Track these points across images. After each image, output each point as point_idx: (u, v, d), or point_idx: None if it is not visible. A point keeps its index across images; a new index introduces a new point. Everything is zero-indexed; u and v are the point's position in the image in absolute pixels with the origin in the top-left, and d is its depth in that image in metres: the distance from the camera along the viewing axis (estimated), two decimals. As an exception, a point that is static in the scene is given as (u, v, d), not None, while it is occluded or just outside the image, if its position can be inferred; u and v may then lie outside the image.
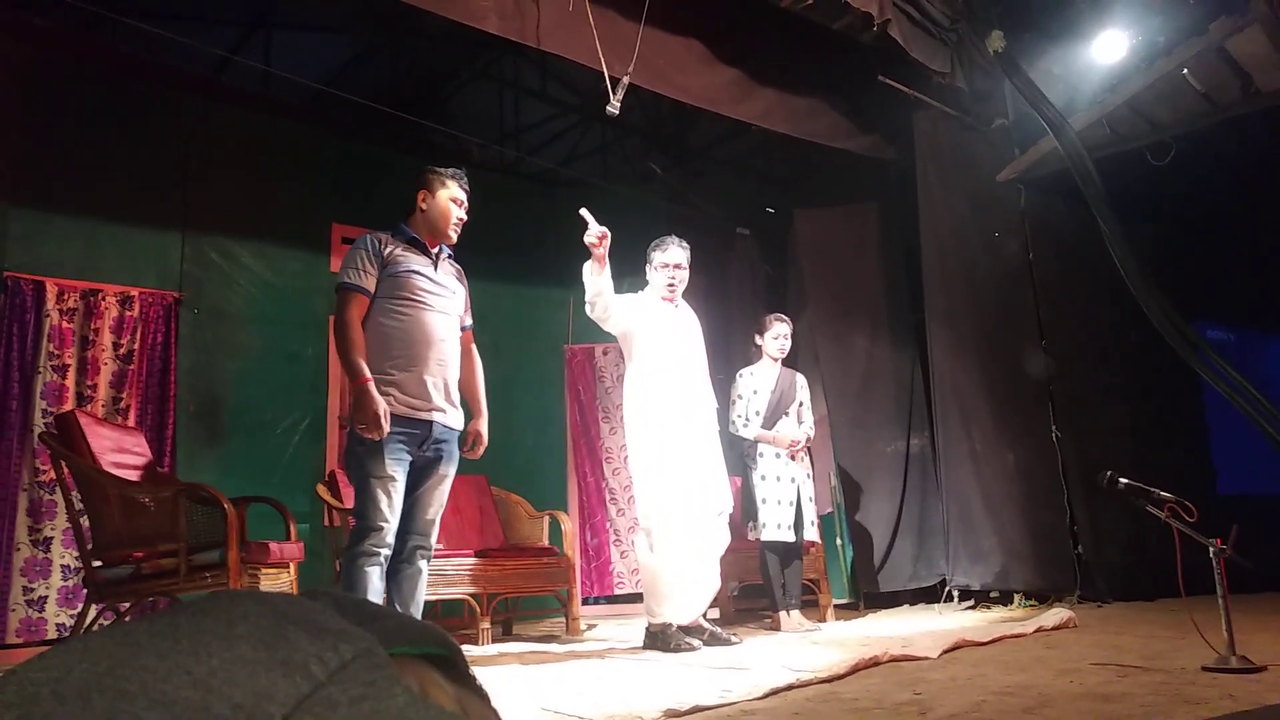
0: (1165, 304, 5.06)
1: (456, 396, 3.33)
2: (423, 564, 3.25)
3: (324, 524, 5.30)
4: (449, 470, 3.30)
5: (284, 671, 0.31)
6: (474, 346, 3.58)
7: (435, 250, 3.34)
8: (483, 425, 3.47)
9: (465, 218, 3.37)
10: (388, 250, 3.24)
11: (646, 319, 4.24)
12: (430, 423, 3.18)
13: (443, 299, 3.29)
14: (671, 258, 4.28)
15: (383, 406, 3.02)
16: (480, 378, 3.57)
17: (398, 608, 3.13)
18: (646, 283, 4.42)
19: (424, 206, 3.33)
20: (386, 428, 3.02)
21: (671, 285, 4.28)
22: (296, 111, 6.30)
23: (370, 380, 3.05)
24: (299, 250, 5.98)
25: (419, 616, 3.09)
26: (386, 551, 3.09)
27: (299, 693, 0.30)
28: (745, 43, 5.34)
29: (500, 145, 7.11)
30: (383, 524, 3.07)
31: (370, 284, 3.19)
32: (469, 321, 3.53)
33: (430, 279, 3.27)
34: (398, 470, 3.11)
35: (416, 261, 3.26)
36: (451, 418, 3.28)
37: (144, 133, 5.43)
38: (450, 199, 3.33)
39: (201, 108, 5.72)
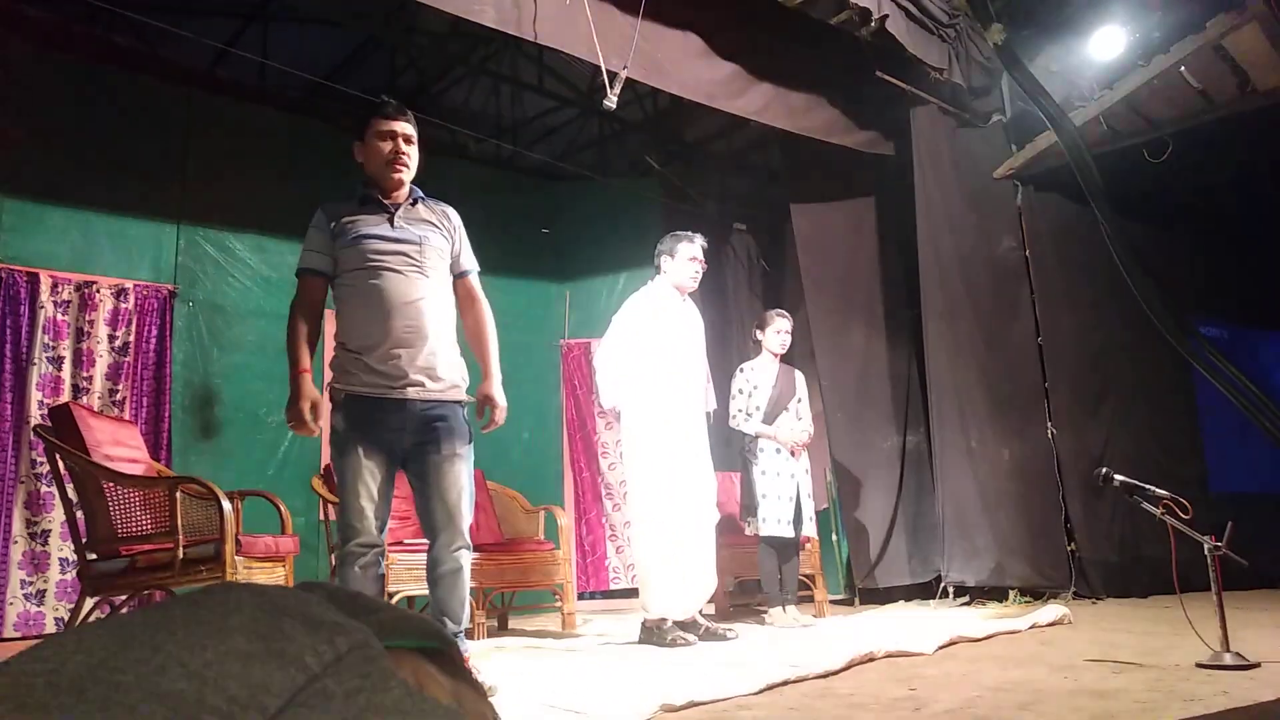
0: (1162, 299, 5.08)
1: (446, 363, 2.90)
2: (460, 559, 2.89)
3: (319, 518, 5.29)
4: (453, 448, 2.87)
5: (279, 664, 0.31)
6: (478, 293, 3.12)
7: (397, 203, 2.95)
8: (493, 389, 3.02)
9: (406, 150, 2.93)
10: (339, 220, 2.90)
11: (653, 316, 4.30)
12: (404, 401, 2.81)
13: (405, 256, 2.87)
14: (699, 251, 4.40)
15: (309, 400, 2.75)
16: (488, 330, 3.10)
17: (440, 611, 2.87)
18: (650, 272, 4.47)
19: (360, 159, 2.99)
20: (314, 426, 2.75)
21: (695, 277, 4.40)
22: (293, 105, 6.28)
23: (305, 371, 2.80)
24: (294, 244, 5.93)
25: (465, 615, 2.91)
26: (374, 551, 2.83)
27: (294, 685, 0.30)
28: (743, 37, 5.33)
29: (497, 139, 7.09)
30: (358, 521, 2.80)
31: (322, 263, 2.90)
32: (467, 265, 3.09)
33: (385, 237, 2.87)
34: (372, 461, 2.80)
35: (368, 223, 2.89)
36: (436, 389, 2.86)
37: (139, 125, 5.42)
38: (375, 136, 2.93)
39: (197, 100, 5.71)
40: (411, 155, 2.95)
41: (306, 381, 2.79)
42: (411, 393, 2.81)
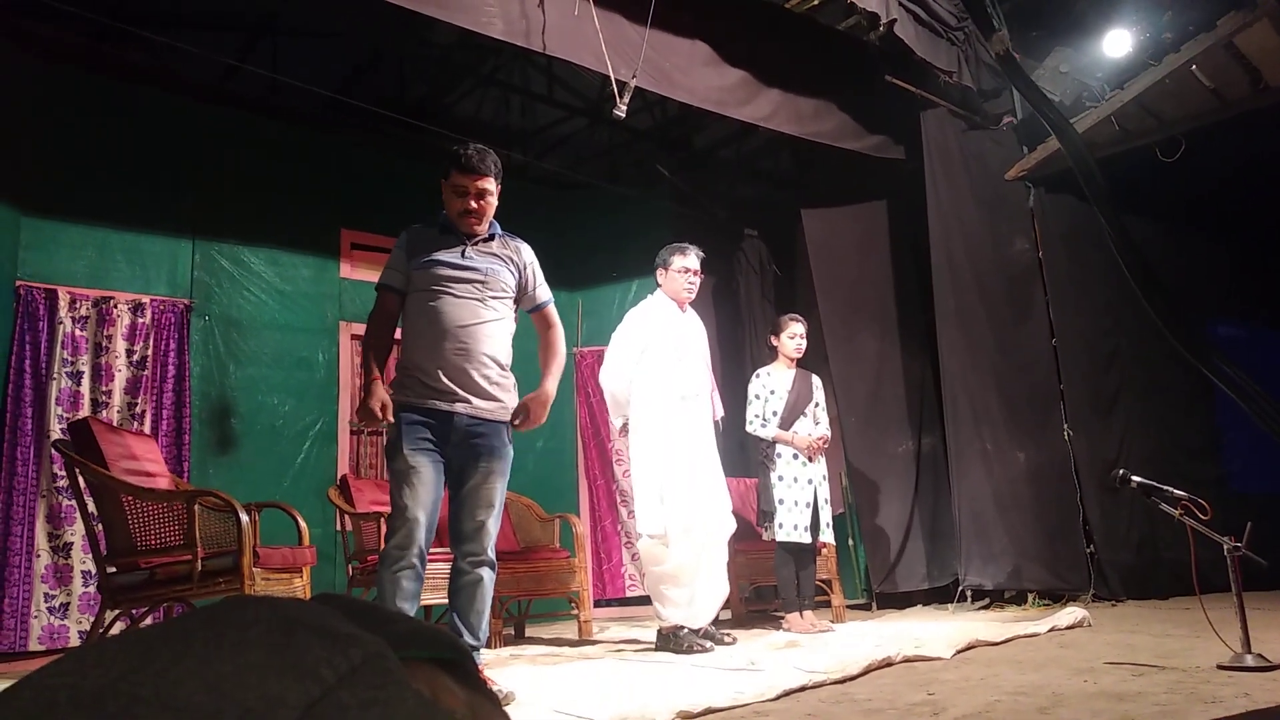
0: (1171, 307, 5.04)
1: (494, 385, 3.05)
2: (481, 573, 2.99)
3: (336, 529, 5.32)
4: (491, 466, 3.02)
5: (295, 676, 0.31)
6: (554, 319, 3.33)
7: (473, 237, 3.12)
8: (538, 396, 3.14)
9: (477, 205, 3.07)
10: (419, 242, 3.11)
11: (655, 327, 4.32)
12: (451, 414, 2.96)
13: (468, 284, 3.05)
14: (692, 263, 4.42)
15: (379, 401, 2.91)
16: (555, 352, 3.28)
17: (458, 620, 2.97)
18: (654, 284, 4.49)
19: (444, 198, 3.15)
20: (382, 418, 2.92)
21: (690, 289, 4.42)
22: (304, 118, 6.32)
23: (376, 379, 2.98)
24: (308, 256, 6.02)
25: (483, 631, 3.00)
26: (414, 551, 2.89)
27: (309, 696, 0.31)
28: (751, 44, 5.33)
29: (507, 149, 7.12)
30: (404, 520, 2.89)
31: (398, 280, 3.10)
32: (541, 299, 3.29)
33: (453, 265, 3.05)
34: (421, 460, 2.93)
35: (442, 250, 3.08)
36: (483, 407, 3.01)
37: (153, 141, 5.47)
38: (452, 188, 3.09)
39: (210, 115, 5.76)
40: (485, 206, 3.11)
41: (378, 385, 2.99)
42: (459, 408, 2.98)
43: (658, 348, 4.28)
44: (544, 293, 3.32)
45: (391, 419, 2.95)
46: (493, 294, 3.10)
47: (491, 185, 3.11)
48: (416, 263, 3.07)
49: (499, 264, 3.15)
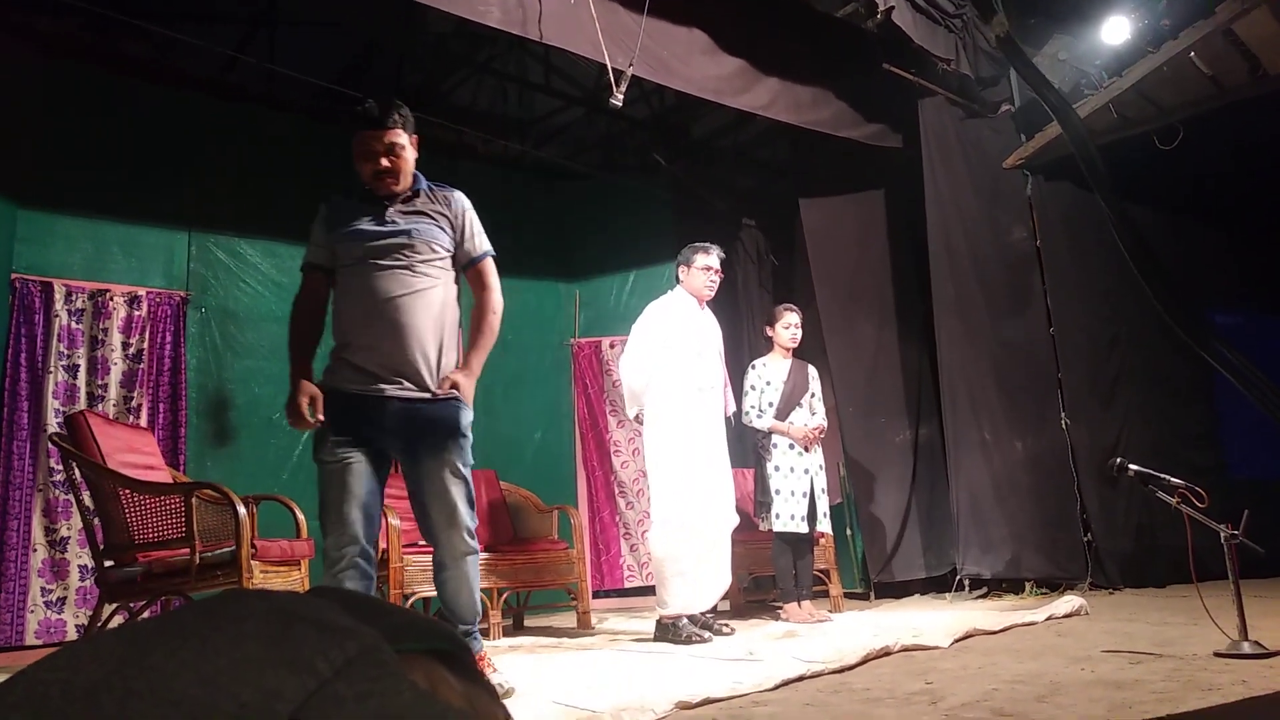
0: (1172, 292, 5.04)
1: (434, 361, 2.78)
2: (464, 565, 2.80)
3: (334, 520, 5.31)
4: (443, 451, 2.74)
5: (291, 669, 0.31)
6: (488, 279, 2.95)
7: (392, 196, 2.84)
8: (460, 377, 2.80)
9: (389, 163, 2.79)
10: (338, 213, 2.86)
11: (676, 322, 4.39)
12: (383, 399, 2.71)
13: (391, 251, 2.76)
14: (714, 262, 4.51)
15: (306, 397, 2.68)
16: (485, 319, 2.94)
17: (449, 611, 2.83)
18: (660, 270, 4.53)
19: (355, 163, 2.86)
20: (311, 418, 2.67)
21: (711, 287, 4.50)
22: (302, 109, 6.30)
23: (301, 373, 2.77)
24: (304, 248, 5.98)
25: (475, 612, 2.84)
26: (354, 550, 2.67)
27: (305, 690, 0.30)
28: (748, 32, 5.32)
29: (505, 139, 7.11)
30: (337, 518, 2.67)
31: (320, 256, 2.87)
32: (473, 251, 2.93)
33: (372, 232, 2.78)
34: (349, 452, 2.70)
35: (360, 217, 2.81)
36: (416, 388, 2.74)
37: (149, 133, 5.45)
38: (360, 149, 2.81)
39: (207, 107, 5.74)
40: (399, 163, 2.82)
41: (303, 380, 2.75)
42: (390, 390, 2.72)
43: (678, 341, 4.35)
44: (481, 244, 2.95)
45: (322, 417, 2.69)
46: (422, 258, 2.79)
47: (402, 138, 2.82)
48: (337, 235, 2.82)
49: (428, 221, 2.84)
